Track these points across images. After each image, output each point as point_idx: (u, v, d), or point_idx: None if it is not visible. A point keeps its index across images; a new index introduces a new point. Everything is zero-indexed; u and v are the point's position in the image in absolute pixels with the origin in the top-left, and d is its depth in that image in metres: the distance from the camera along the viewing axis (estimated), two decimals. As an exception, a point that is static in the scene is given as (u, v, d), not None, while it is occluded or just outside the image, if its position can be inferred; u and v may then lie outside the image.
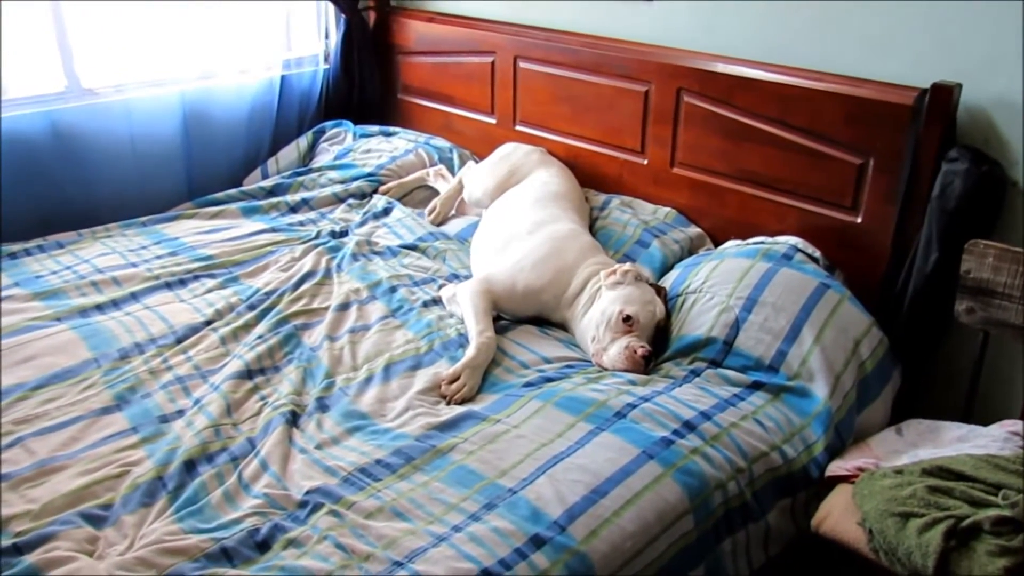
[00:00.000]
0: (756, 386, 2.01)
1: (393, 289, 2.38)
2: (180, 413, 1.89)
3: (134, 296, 2.33)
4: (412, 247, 2.69)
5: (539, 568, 1.47)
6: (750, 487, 1.78)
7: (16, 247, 2.56)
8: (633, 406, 1.87)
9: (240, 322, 2.21)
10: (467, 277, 2.50)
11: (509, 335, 2.22)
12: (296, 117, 3.47)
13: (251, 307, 2.28)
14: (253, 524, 1.56)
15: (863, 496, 1.67)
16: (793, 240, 2.32)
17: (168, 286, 2.39)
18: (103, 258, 2.50)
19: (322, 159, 3.28)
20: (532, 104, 3.00)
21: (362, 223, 2.84)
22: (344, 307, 2.30)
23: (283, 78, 3.37)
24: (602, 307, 2.16)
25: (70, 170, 2.87)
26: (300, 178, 3.11)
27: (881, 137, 2.16)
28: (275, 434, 1.80)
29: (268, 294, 2.35)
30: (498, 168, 2.84)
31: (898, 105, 2.10)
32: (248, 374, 2.02)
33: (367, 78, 3.47)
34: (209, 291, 2.37)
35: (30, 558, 1.46)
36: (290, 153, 3.33)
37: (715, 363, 2.09)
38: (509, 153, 2.90)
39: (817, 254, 2.28)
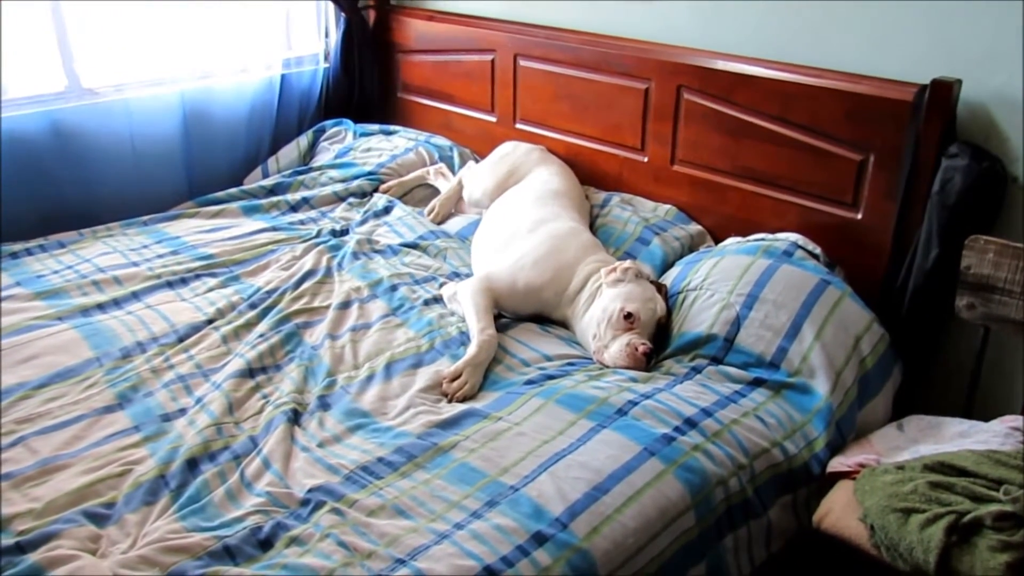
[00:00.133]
0: (757, 383, 2.01)
1: (394, 287, 2.38)
2: (182, 412, 1.89)
3: (135, 295, 2.33)
4: (413, 245, 2.69)
5: (541, 565, 1.47)
6: (751, 483, 1.78)
7: (17, 246, 2.57)
8: (634, 403, 1.87)
9: (241, 321, 2.22)
10: (468, 275, 2.50)
11: (510, 333, 2.22)
12: (296, 116, 3.47)
13: (252, 306, 2.29)
14: (255, 522, 1.57)
15: (864, 492, 1.68)
16: (793, 237, 2.32)
17: (169, 285, 2.39)
18: (104, 257, 2.51)
19: (322, 158, 3.28)
20: (532, 102, 3.00)
21: (363, 222, 2.84)
22: (345, 305, 2.31)
23: (283, 77, 3.37)
24: (603, 305, 2.16)
25: (71, 170, 2.87)
26: (301, 177, 3.11)
27: (881, 133, 2.16)
28: (277, 432, 1.80)
29: (269, 293, 2.35)
30: (497, 168, 2.84)
31: (898, 101, 2.10)
32: (250, 373, 2.02)
33: (367, 77, 3.47)
34: (210, 290, 2.38)
35: (33, 557, 1.46)
36: (290, 152, 3.33)
37: (716, 360, 2.09)
38: (509, 152, 2.90)
39: (817, 251, 2.28)
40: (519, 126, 3.07)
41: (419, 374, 2.04)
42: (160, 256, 2.53)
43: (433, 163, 3.16)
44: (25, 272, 2.42)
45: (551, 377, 2.02)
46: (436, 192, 3.05)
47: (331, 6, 3.44)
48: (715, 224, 2.58)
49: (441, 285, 2.43)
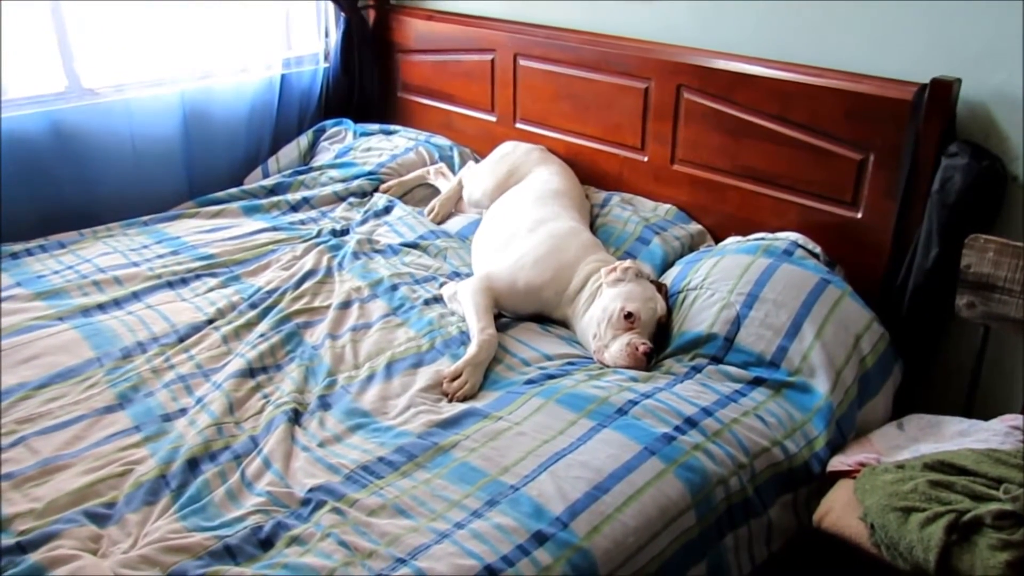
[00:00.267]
0: (757, 382, 2.01)
1: (394, 287, 2.38)
2: (183, 412, 1.90)
3: (136, 295, 2.33)
4: (413, 245, 2.69)
5: (542, 564, 1.47)
6: (752, 483, 1.78)
7: (18, 247, 2.57)
8: (635, 403, 1.87)
9: (242, 321, 2.22)
10: (468, 275, 2.50)
11: (510, 332, 2.22)
12: (296, 116, 3.47)
13: (253, 306, 2.29)
14: (256, 522, 1.57)
15: (864, 491, 1.68)
16: (793, 236, 2.32)
17: (170, 285, 2.39)
18: (105, 257, 2.51)
19: (323, 158, 3.29)
20: (532, 102, 3.00)
21: (363, 221, 2.84)
22: (345, 305, 2.31)
23: (283, 77, 3.37)
24: (603, 304, 2.16)
25: (71, 170, 2.87)
26: (301, 177, 3.11)
27: (881, 132, 2.16)
28: (277, 432, 1.80)
29: (270, 293, 2.35)
30: (497, 168, 2.85)
31: (898, 100, 2.10)
32: (250, 372, 2.02)
33: (367, 76, 3.47)
34: (211, 290, 2.38)
35: (34, 556, 1.46)
36: (291, 152, 3.33)
37: (716, 359, 2.09)
38: (508, 152, 2.90)
39: (817, 250, 2.28)
40: (519, 126, 3.07)
41: (419, 374, 2.04)
42: (160, 256, 2.53)
43: (433, 163, 3.16)
44: (25, 272, 2.42)
45: (551, 376, 2.02)
46: (436, 192, 3.05)
47: (331, 6, 3.44)
48: (715, 223, 2.58)
49: (441, 285, 2.43)
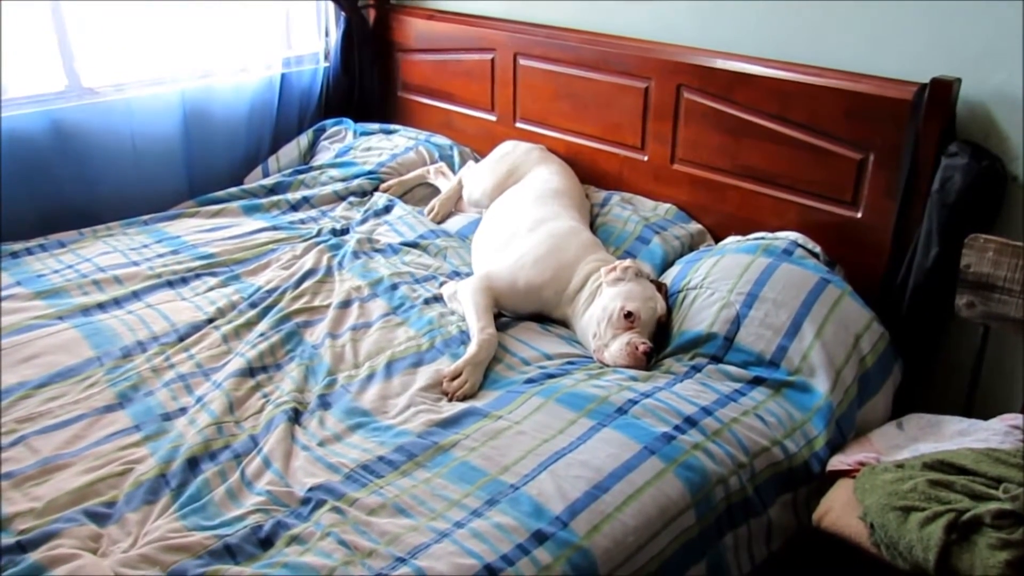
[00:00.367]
0: (757, 381, 2.01)
1: (394, 287, 2.38)
2: (183, 411, 1.90)
3: (136, 294, 2.33)
4: (413, 244, 2.69)
5: (541, 563, 1.47)
6: (752, 482, 1.79)
7: (18, 246, 2.57)
8: (634, 402, 1.87)
9: (242, 320, 2.22)
10: (468, 274, 2.50)
11: (510, 332, 2.22)
12: (296, 115, 3.47)
13: (253, 305, 2.29)
14: (256, 521, 1.57)
15: (864, 490, 1.68)
16: (793, 235, 2.32)
17: (170, 284, 2.39)
18: (105, 257, 2.51)
19: (323, 157, 3.29)
20: (532, 101, 3.00)
21: (363, 221, 2.85)
22: (345, 305, 2.31)
23: (283, 76, 3.37)
24: (603, 303, 2.16)
25: (71, 169, 2.87)
26: (301, 176, 3.11)
27: (881, 132, 2.16)
28: (277, 431, 1.80)
29: (270, 292, 2.35)
30: (497, 168, 2.85)
31: (898, 100, 2.10)
32: (250, 372, 2.02)
33: (367, 76, 3.47)
34: (211, 289, 2.38)
35: (34, 556, 1.46)
36: (291, 151, 3.33)
37: (716, 359, 2.09)
38: (508, 152, 2.90)
39: (817, 249, 2.28)
40: (519, 125, 3.07)
41: (419, 373, 2.04)
42: (160, 255, 2.53)
43: (433, 162, 3.16)
44: (25, 271, 2.42)
45: (551, 376, 2.02)
46: (436, 191, 3.05)
47: (331, 5, 3.44)
48: (715, 223, 2.58)
49: (441, 284, 2.43)
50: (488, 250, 2.52)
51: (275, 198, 2.97)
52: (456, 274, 2.52)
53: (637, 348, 2.06)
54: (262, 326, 2.19)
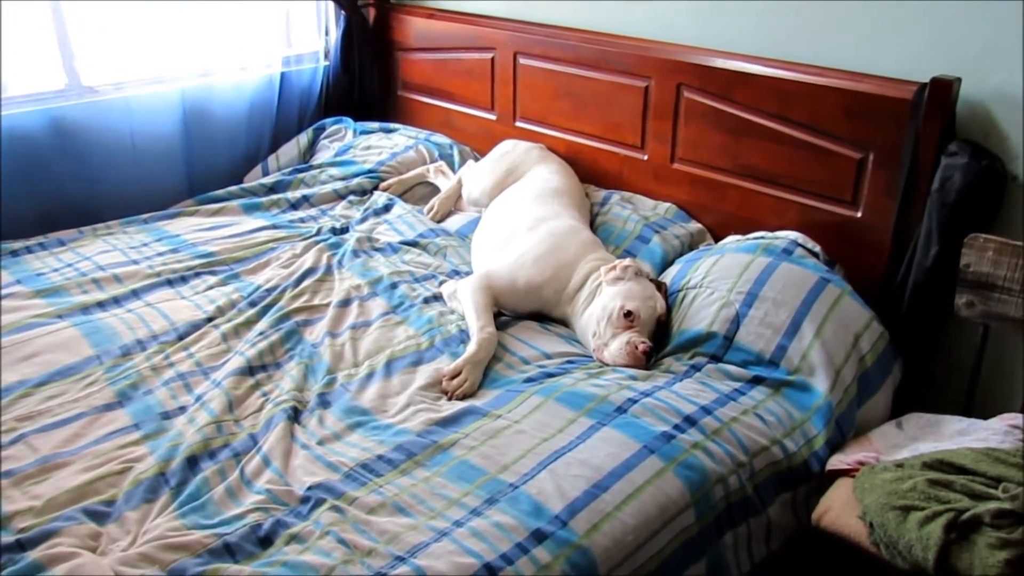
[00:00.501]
0: (757, 381, 2.01)
1: (394, 285, 2.38)
2: (182, 409, 1.90)
3: (135, 293, 2.33)
4: (413, 243, 2.69)
5: (541, 562, 1.47)
6: (751, 481, 1.79)
7: (17, 244, 2.57)
8: (634, 401, 1.87)
9: (241, 319, 2.22)
10: (468, 273, 2.50)
11: (510, 331, 2.22)
12: (296, 114, 3.47)
13: (252, 304, 2.29)
14: (255, 520, 1.57)
15: (864, 490, 1.68)
16: (793, 235, 2.32)
17: (169, 283, 2.39)
18: (104, 255, 2.51)
19: (322, 156, 3.28)
20: (532, 100, 3.00)
21: (363, 220, 2.84)
22: (345, 303, 2.31)
23: (283, 75, 3.37)
24: (603, 303, 2.16)
25: (71, 167, 2.87)
26: (301, 175, 3.11)
27: (881, 132, 2.16)
28: (277, 430, 1.80)
29: (269, 291, 2.35)
30: (497, 167, 2.85)
31: (898, 99, 2.10)
32: (250, 370, 2.02)
33: (367, 75, 3.47)
34: (210, 288, 2.38)
35: (33, 554, 1.46)
36: (290, 150, 3.33)
37: (716, 358, 2.09)
38: (508, 151, 2.90)
39: (817, 249, 2.28)
40: (519, 124, 3.07)
41: (419, 372, 2.04)
42: (160, 254, 2.53)
43: (433, 161, 3.16)
44: (25, 270, 2.42)
45: (551, 375, 2.02)
46: (436, 190, 3.05)
47: (331, 4, 3.44)
48: (715, 222, 2.58)
49: (441, 283, 2.43)
50: (488, 249, 2.52)
51: (275, 197, 2.97)
52: (456, 273, 2.52)
53: (637, 347, 2.06)
54: (262, 325, 2.19)
